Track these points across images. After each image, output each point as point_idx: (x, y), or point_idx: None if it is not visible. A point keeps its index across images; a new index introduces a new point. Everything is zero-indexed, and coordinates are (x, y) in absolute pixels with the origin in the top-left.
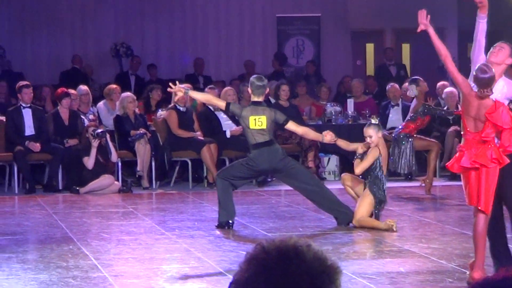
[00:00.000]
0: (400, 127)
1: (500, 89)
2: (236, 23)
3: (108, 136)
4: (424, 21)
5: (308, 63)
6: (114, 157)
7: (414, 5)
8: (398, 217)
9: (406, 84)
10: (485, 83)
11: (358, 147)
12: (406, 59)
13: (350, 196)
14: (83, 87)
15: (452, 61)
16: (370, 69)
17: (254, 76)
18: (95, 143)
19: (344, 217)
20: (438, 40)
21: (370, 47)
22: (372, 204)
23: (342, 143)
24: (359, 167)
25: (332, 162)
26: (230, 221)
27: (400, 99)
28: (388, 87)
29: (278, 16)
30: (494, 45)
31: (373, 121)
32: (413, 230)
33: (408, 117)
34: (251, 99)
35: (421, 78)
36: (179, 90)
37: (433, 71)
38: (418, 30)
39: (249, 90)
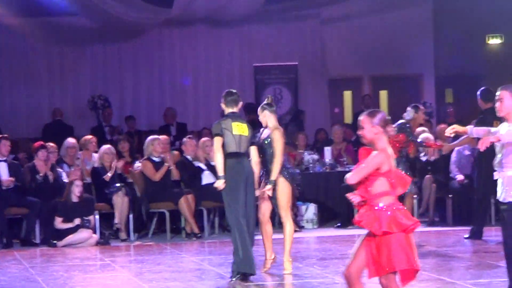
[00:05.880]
0: None
1: None
2: (213, 73)
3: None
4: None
5: (291, 110)
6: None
7: (390, 52)
8: None
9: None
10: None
11: None
12: (384, 105)
13: None
14: (71, 140)
15: None
16: (348, 117)
17: (226, 91)
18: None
19: (236, 266)
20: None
21: (347, 95)
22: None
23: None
24: None
25: (310, 211)
26: (250, 272)
27: None
28: None
29: (255, 66)
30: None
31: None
32: None
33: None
34: (226, 112)
35: (423, 108)
36: (264, 192)
37: None
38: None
39: (223, 105)
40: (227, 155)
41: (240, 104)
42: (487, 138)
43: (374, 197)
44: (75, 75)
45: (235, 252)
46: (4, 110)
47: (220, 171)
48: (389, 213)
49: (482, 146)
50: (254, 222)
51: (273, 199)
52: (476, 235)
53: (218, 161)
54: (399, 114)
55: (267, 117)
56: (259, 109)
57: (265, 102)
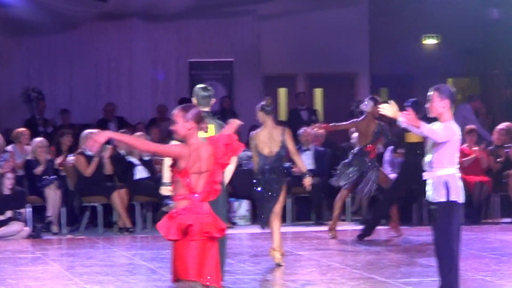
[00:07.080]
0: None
1: None
2: (149, 67)
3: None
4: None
5: (223, 98)
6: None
7: (326, 50)
8: (307, 261)
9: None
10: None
11: None
12: (318, 103)
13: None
14: None
15: None
16: (283, 114)
17: (199, 86)
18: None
19: None
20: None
21: (282, 92)
22: None
23: None
24: None
25: (243, 207)
26: None
27: (312, 144)
28: (300, 131)
29: (191, 61)
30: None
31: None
32: (321, 275)
33: (369, 141)
34: None
35: (380, 100)
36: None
37: (344, 116)
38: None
39: (194, 100)
40: None
41: (213, 101)
42: (413, 118)
43: (174, 199)
44: (9, 67)
45: None
46: None
47: (165, 178)
48: (177, 219)
49: (403, 118)
50: None
51: (276, 192)
52: (366, 232)
53: (165, 168)
54: (333, 113)
55: (264, 118)
56: (257, 109)
57: (262, 103)
